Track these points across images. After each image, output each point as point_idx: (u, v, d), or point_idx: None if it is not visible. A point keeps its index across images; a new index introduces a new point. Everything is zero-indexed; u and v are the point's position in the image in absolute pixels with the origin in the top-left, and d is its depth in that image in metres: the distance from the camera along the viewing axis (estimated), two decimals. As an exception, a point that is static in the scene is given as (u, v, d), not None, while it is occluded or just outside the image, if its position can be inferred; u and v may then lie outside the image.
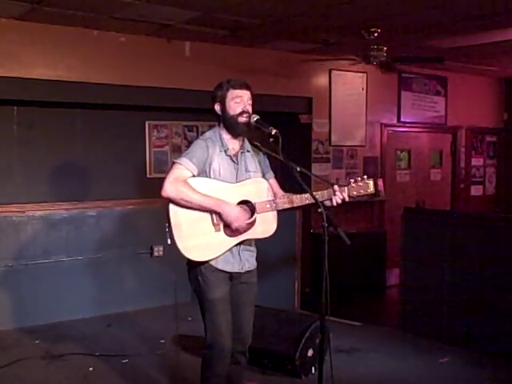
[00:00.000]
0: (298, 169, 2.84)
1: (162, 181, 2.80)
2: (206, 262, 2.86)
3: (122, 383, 3.95)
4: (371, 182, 2.98)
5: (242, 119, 2.91)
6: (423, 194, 7.75)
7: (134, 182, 5.95)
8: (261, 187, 2.97)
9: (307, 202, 2.89)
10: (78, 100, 5.25)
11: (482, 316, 4.50)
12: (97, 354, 4.44)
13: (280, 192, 3.10)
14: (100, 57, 5.19)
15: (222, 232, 2.84)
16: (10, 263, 5.19)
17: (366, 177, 2.99)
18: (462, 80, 7.89)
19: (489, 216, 6.00)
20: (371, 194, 3.09)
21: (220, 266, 2.89)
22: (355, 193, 2.96)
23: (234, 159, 2.95)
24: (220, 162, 2.90)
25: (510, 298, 4.34)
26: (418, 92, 7.57)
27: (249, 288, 3.03)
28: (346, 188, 2.94)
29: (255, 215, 2.88)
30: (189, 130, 6.31)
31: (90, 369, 4.17)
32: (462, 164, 8.18)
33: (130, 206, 5.82)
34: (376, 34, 5.18)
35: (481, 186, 8.50)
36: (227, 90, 2.93)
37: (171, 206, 2.78)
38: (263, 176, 3.05)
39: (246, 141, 3.04)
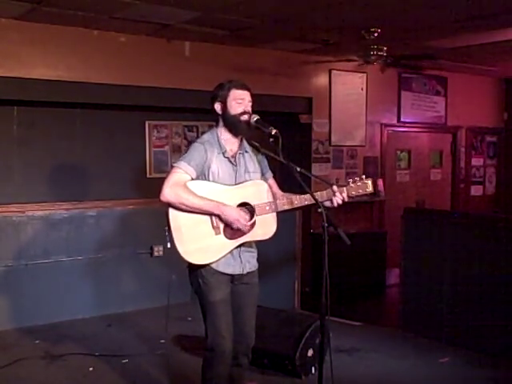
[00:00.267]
0: (298, 169, 2.84)
1: (162, 181, 2.80)
2: (207, 264, 2.86)
3: (122, 383, 3.94)
4: (370, 182, 2.98)
5: (243, 118, 2.91)
6: (423, 194, 7.75)
7: (133, 182, 5.94)
8: (260, 189, 2.96)
9: (307, 202, 2.89)
10: (78, 100, 5.25)
11: (482, 316, 4.50)
12: (97, 354, 4.43)
13: (279, 192, 3.10)
14: (100, 57, 5.19)
15: (221, 235, 2.84)
16: (10, 263, 5.19)
17: (364, 177, 2.99)
18: (462, 80, 7.90)
19: (489, 216, 6.01)
20: (370, 194, 3.10)
21: (221, 269, 2.89)
22: (354, 193, 2.96)
23: (233, 161, 2.95)
24: (218, 165, 2.90)
25: (510, 298, 4.34)
26: (418, 92, 7.58)
27: (250, 289, 3.03)
28: (345, 188, 2.94)
29: (255, 217, 2.88)
30: (189, 130, 6.31)
31: (90, 369, 4.16)
32: (462, 164, 8.19)
33: (130, 206, 5.81)
34: (376, 34, 5.18)
35: (481, 186, 8.50)
36: (229, 89, 2.93)
37: (171, 210, 2.78)
38: (262, 176, 3.05)
39: (244, 141, 3.04)
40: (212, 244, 2.83)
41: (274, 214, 2.95)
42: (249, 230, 2.87)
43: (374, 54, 5.49)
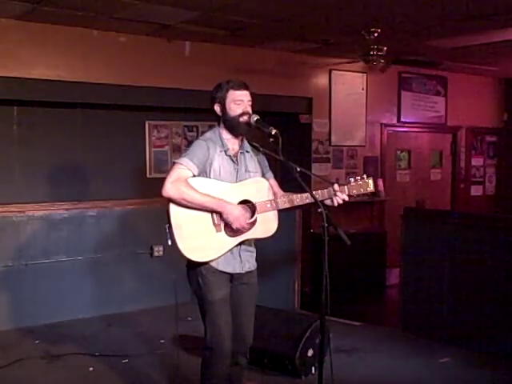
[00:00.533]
0: (298, 169, 2.84)
1: (162, 181, 2.80)
2: (207, 262, 2.85)
3: (122, 383, 3.95)
4: (371, 181, 2.98)
5: (243, 120, 2.91)
6: (423, 194, 7.75)
7: (133, 182, 5.94)
8: (261, 187, 2.97)
9: (307, 201, 2.89)
10: (78, 100, 5.25)
11: (482, 316, 4.50)
12: (97, 354, 4.43)
13: (280, 192, 3.10)
14: (100, 57, 5.19)
15: (222, 232, 2.84)
16: (10, 263, 5.19)
17: (365, 176, 2.99)
18: (461, 80, 7.89)
19: (489, 216, 6.00)
20: (371, 193, 3.09)
21: (221, 268, 2.89)
22: (355, 191, 2.96)
23: (234, 159, 2.95)
24: (220, 163, 2.90)
25: (510, 298, 4.34)
26: (418, 92, 7.57)
27: (249, 289, 3.03)
28: (345, 187, 2.94)
29: (256, 215, 2.88)
30: (189, 130, 6.31)
31: (90, 369, 4.17)
32: (462, 164, 8.18)
33: (130, 206, 5.82)
34: (376, 34, 5.18)
35: (481, 186, 8.50)
36: (227, 91, 2.93)
37: (172, 207, 2.78)
38: (263, 176, 3.06)
39: (245, 141, 3.04)
40: (213, 241, 2.83)
41: (275, 212, 2.95)
42: (250, 228, 2.87)
43: (373, 54, 5.49)
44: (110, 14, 4.61)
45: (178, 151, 6.14)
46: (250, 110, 2.94)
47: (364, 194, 3.03)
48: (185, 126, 6.30)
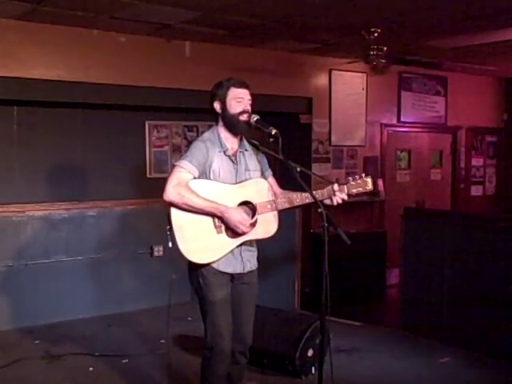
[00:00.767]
0: (298, 169, 2.84)
1: (162, 181, 2.80)
2: (208, 264, 2.85)
3: (122, 383, 3.95)
4: (370, 180, 2.97)
5: (243, 118, 2.91)
6: (423, 194, 7.74)
7: (133, 182, 5.94)
8: (261, 187, 2.96)
9: (307, 201, 2.89)
10: (77, 100, 5.25)
11: (482, 316, 4.50)
12: (97, 354, 4.44)
13: (279, 190, 3.10)
14: (100, 57, 5.19)
15: (223, 234, 2.84)
16: (10, 263, 5.19)
17: (364, 175, 2.99)
18: (461, 80, 7.89)
19: (489, 216, 6.01)
20: (370, 192, 3.09)
21: (222, 268, 2.89)
22: (354, 190, 2.96)
23: (234, 159, 2.95)
24: (220, 163, 2.90)
25: (510, 298, 4.34)
26: (418, 92, 7.57)
27: (250, 288, 3.03)
28: (345, 186, 2.94)
29: (256, 216, 2.88)
30: (189, 130, 6.31)
31: (90, 369, 4.17)
32: (462, 164, 8.18)
33: (130, 206, 5.82)
34: (376, 34, 5.18)
35: (481, 186, 8.50)
36: (228, 88, 2.92)
37: (172, 209, 2.77)
38: (262, 174, 3.05)
39: (244, 139, 3.04)
40: (214, 243, 2.83)
41: (276, 212, 2.95)
42: (251, 229, 2.87)
43: (373, 54, 5.48)
44: (110, 13, 4.61)
45: (178, 151, 6.14)
46: (249, 108, 2.94)
47: (363, 193, 3.03)
48: (185, 126, 6.30)
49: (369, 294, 6.57)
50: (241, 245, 2.91)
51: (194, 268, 2.89)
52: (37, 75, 4.90)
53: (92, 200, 5.64)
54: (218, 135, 2.96)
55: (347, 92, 6.88)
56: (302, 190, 2.86)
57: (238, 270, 2.94)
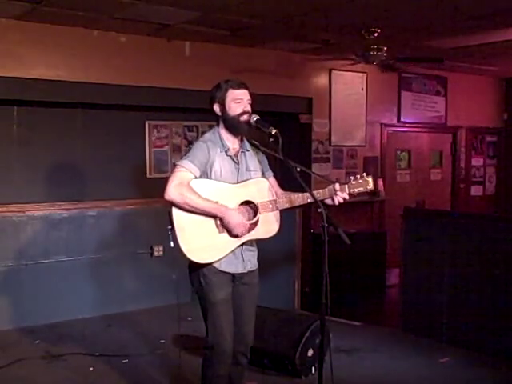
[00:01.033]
0: (299, 169, 2.84)
1: (162, 181, 2.80)
2: (210, 263, 2.85)
3: (122, 383, 3.94)
4: (370, 179, 2.97)
5: (243, 119, 2.91)
6: (423, 194, 7.75)
7: (133, 182, 5.94)
8: (263, 187, 2.96)
9: (308, 200, 2.89)
10: (77, 100, 5.25)
11: (482, 316, 4.50)
12: (97, 354, 4.43)
13: (279, 190, 3.10)
14: (100, 57, 5.19)
15: (225, 233, 2.84)
16: (10, 263, 5.19)
17: (365, 174, 2.99)
18: (461, 80, 7.90)
19: (489, 216, 6.01)
20: (371, 192, 3.09)
21: (223, 268, 2.89)
22: (356, 190, 2.95)
23: (235, 159, 2.95)
24: (221, 163, 2.90)
25: (510, 298, 4.34)
26: (418, 92, 7.58)
27: (251, 289, 3.03)
28: (346, 186, 2.93)
29: (258, 216, 2.88)
30: (189, 130, 6.31)
31: (90, 369, 4.17)
32: (462, 164, 8.19)
33: (130, 206, 5.82)
34: (376, 34, 5.18)
35: (481, 186, 8.50)
36: (226, 90, 2.92)
37: (174, 209, 2.77)
38: (263, 175, 3.05)
39: (245, 140, 3.04)
40: (216, 242, 2.83)
41: (277, 212, 2.95)
42: (252, 229, 2.87)
43: (373, 54, 5.49)
44: (110, 13, 4.61)
45: (178, 151, 6.14)
46: (249, 108, 2.94)
47: (365, 193, 3.03)
48: (185, 126, 6.29)
49: (369, 294, 6.57)
50: (242, 245, 2.91)
51: (195, 268, 2.89)
52: (37, 75, 4.90)
53: (92, 200, 5.64)
54: (219, 136, 2.96)
55: (347, 92, 6.88)
56: (303, 190, 2.86)
57: (239, 269, 2.94)
